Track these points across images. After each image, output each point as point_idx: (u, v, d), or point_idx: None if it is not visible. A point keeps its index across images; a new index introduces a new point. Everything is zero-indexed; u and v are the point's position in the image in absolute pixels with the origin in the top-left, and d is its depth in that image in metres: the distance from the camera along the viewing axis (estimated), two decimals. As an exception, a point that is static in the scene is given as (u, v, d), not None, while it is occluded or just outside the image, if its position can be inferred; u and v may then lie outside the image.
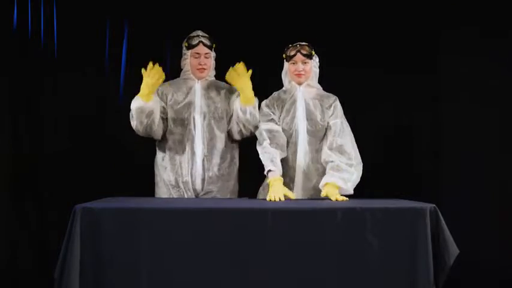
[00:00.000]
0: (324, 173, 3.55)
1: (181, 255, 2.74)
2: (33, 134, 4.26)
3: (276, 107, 3.69)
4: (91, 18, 4.34)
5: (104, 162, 4.33)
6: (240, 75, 3.55)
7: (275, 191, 3.34)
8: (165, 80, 3.67)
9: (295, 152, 3.65)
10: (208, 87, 3.71)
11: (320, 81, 3.78)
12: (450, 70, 4.42)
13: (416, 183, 4.34)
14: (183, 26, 4.21)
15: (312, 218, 2.81)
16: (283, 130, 3.65)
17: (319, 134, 3.67)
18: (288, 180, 3.61)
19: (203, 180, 3.64)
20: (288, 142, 3.65)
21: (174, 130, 3.65)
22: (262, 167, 3.59)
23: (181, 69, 3.76)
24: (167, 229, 2.75)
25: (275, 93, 3.77)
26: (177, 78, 3.78)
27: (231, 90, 3.73)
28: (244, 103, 3.59)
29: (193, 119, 3.64)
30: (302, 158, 3.65)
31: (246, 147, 3.82)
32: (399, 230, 2.81)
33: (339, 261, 2.77)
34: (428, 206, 2.87)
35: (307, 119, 3.66)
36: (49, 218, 4.17)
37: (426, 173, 4.43)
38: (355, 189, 3.89)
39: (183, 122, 3.63)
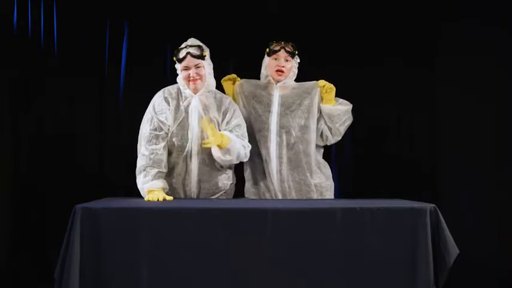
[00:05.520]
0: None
1: (181, 255, 2.74)
2: (33, 133, 4.26)
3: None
4: (91, 18, 4.34)
5: (103, 162, 4.34)
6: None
7: None
8: (165, 83, 3.65)
9: (268, 148, 3.70)
10: (207, 105, 3.50)
11: (318, 79, 3.81)
12: (448, 69, 4.42)
13: (416, 183, 4.34)
14: (184, 26, 4.22)
15: (312, 218, 2.80)
16: (256, 122, 3.72)
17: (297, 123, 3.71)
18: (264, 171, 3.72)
19: (198, 195, 3.57)
20: (262, 136, 3.71)
21: (171, 148, 3.49)
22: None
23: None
24: (167, 229, 2.75)
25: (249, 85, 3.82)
26: (174, 87, 3.55)
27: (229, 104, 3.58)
28: None
29: (190, 145, 3.46)
30: (274, 155, 3.69)
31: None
32: (399, 230, 2.81)
33: (339, 261, 2.77)
34: (428, 206, 2.87)
35: (280, 115, 3.70)
36: (49, 218, 4.17)
37: (426, 172, 4.42)
38: (355, 189, 3.91)
39: (180, 149, 3.48)
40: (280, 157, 3.69)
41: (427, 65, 4.42)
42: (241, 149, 3.45)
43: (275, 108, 3.72)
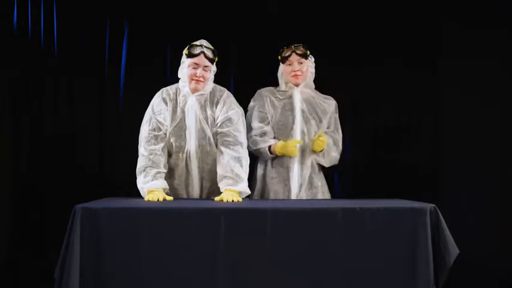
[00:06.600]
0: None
1: (181, 255, 2.74)
2: (33, 133, 4.26)
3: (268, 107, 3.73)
4: (91, 18, 4.33)
5: (103, 162, 4.34)
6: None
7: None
8: (165, 83, 3.66)
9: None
10: (203, 104, 3.49)
11: (319, 81, 3.79)
12: (450, 70, 4.41)
13: (417, 183, 4.34)
14: (184, 26, 4.22)
15: (312, 218, 2.81)
16: (279, 129, 3.69)
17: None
18: (284, 179, 3.69)
19: (201, 195, 3.58)
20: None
21: (170, 149, 3.50)
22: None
23: (179, 78, 3.54)
24: (167, 229, 2.76)
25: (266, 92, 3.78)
26: (173, 88, 3.56)
27: (228, 102, 3.53)
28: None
29: (189, 145, 3.47)
30: (297, 159, 3.68)
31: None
32: (399, 230, 2.82)
33: (339, 261, 2.78)
34: (428, 206, 2.87)
35: (303, 120, 3.69)
36: (49, 218, 4.17)
37: (426, 173, 4.42)
38: (356, 190, 3.90)
39: (178, 149, 3.48)
40: (302, 162, 3.69)
41: (429, 66, 4.41)
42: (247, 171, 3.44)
43: (298, 113, 3.70)
